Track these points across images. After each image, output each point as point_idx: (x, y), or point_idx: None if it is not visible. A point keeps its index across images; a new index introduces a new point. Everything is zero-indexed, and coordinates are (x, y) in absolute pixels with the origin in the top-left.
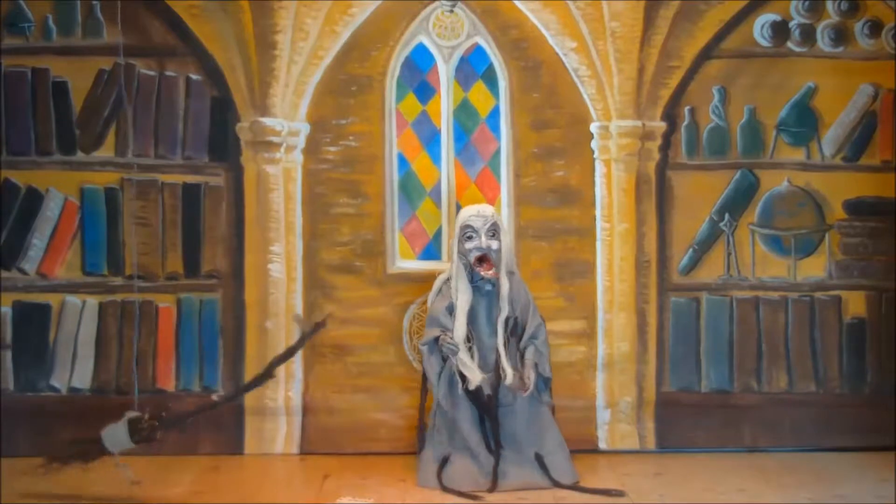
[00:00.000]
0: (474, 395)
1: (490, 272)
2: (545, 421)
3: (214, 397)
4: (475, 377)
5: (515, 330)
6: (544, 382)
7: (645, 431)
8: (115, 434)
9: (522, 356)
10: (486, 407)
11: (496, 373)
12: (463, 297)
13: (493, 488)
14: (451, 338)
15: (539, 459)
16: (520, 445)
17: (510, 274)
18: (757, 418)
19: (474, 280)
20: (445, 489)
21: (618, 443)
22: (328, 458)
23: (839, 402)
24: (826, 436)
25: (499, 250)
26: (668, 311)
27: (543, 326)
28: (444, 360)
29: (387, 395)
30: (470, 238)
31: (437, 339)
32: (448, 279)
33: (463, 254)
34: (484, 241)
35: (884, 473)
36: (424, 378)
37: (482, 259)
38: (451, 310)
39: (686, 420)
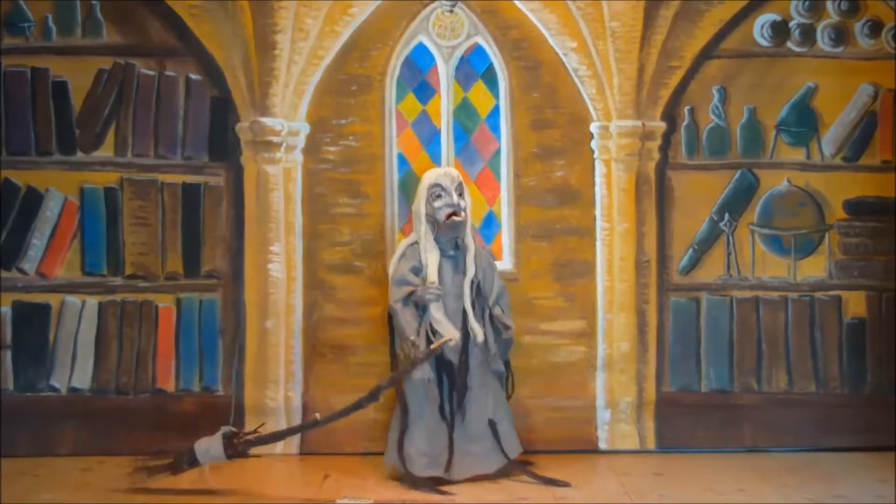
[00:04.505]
0: (444, 364)
1: (460, 216)
2: (497, 388)
3: (317, 416)
4: (454, 334)
5: (479, 293)
6: (506, 348)
7: (645, 431)
8: (210, 448)
9: (490, 319)
10: (455, 371)
11: (464, 334)
12: (432, 257)
13: (448, 465)
14: (429, 288)
15: (492, 426)
16: (476, 411)
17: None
18: (757, 418)
19: (439, 243)
20: (406, 471)
21: (618, 443)
22: (328, 458)
23: (839, 402)
24: (826, 436)
25: (466, 208)
26: (668, 310)
27: (506, 290)
28: (421, 315)
29: (386, 394)
30: (439, 196)
31: (410, 294)
32: (414, 243)
33: (430, 214)
34: (455, 198)
35: (884, 473)
36: (392, 340)
37: (451, 215)
38: (416, 271)
39: (686, 420)
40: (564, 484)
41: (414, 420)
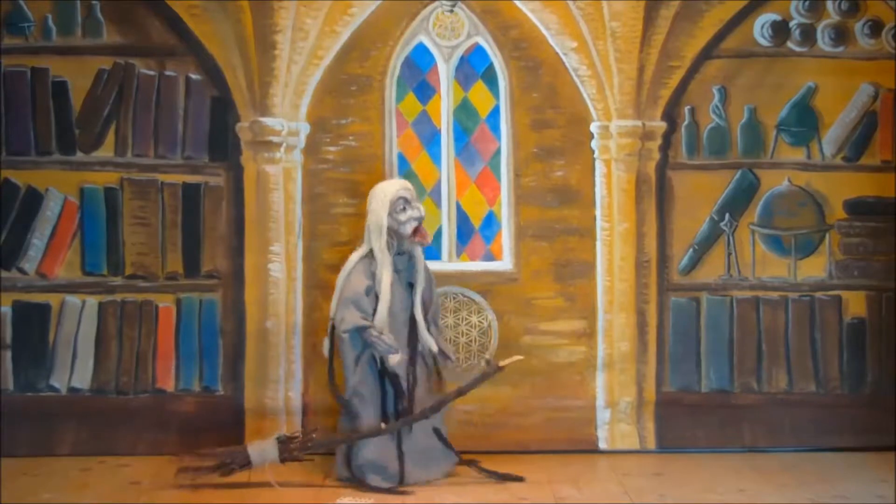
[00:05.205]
0: (391, 375)
1: (427, 239)
2: (434, 396)
3: (382, 426)
4: (397, 359)
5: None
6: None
7: (645, 431)
8: (264, 451)
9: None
10: (403, 385)
11: (412, 347)
12: (387, 274)
13: (402, 475)
14: (382, 335)
15: (437, 433)
16: (423, 422)
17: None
18: (757, 418)
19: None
20: (360, 482)
21: (618, 443)
22: (328, 458)
23: (839, 402)
24: (826, 436)
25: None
26: (668, 310)
27: (440, 307)
28: (364, 346)
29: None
30: (404, 209)
31: (362, 328)
32: (364, 257)
33: (394, 228)
34: (421, 210)
35: (884, 473)
36: (331, 358)
37: (416, 229)
38: (368, 291)
39: (686, 420)
40: (518, 478)
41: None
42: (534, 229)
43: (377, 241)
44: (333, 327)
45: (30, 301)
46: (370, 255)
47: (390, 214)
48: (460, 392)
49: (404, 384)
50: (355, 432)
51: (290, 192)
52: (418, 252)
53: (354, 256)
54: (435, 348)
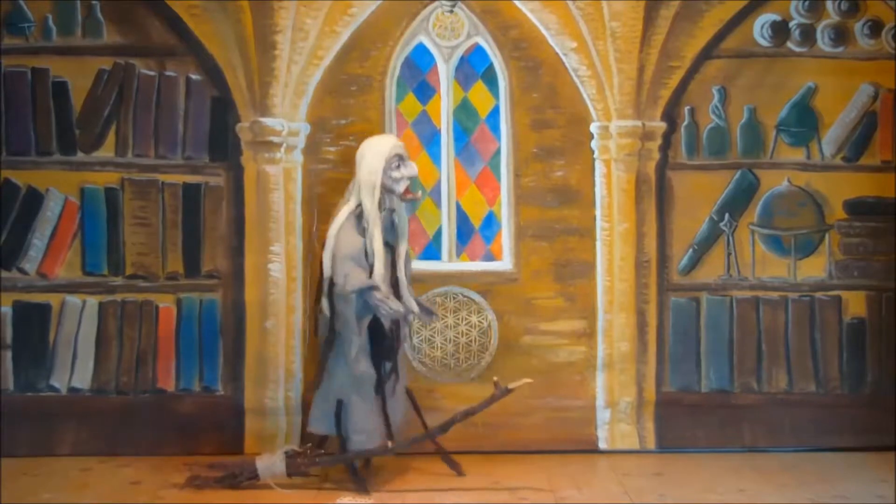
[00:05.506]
0: (382, 332)
1: (419, 195)
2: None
3: (389, 444)
4: (400, 308)
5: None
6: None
7: (645, 431)
8: (272, 465)
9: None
10: (395, 341)
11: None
12: (379, 237)
13: (390, 436)
14: (389, 298)
15: (409, 394)
16: (401, 383)
17: None
18: (757, 418)
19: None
20: (345, 438)
21: (618, 443)
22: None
23: (839, 402)
24: (826, 436)
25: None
26: (668, 310)
27: (410, 259)
28: (366, 306)
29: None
30: (398, 167)
31: (368, 288)
32: (358, 214)
33: (387, 185)
34: (414, 168)
35: (884, 473)
36: (332, 320)
37: (408, 191)
38: (362, 248)
39: (686, 420)
40: (456, 467)
41: (358, 397)
42: (534, 229)
43: (369, 199)
44: (332, 285)
45: (30, 301)
46: (358, 211)
47: (385, 171)
48: (468, 413)
49: (396, 345)
50: (363, 451)
51: (291, 192)
52: (402, 210)
53: (344, 211)
54: (417, 309)
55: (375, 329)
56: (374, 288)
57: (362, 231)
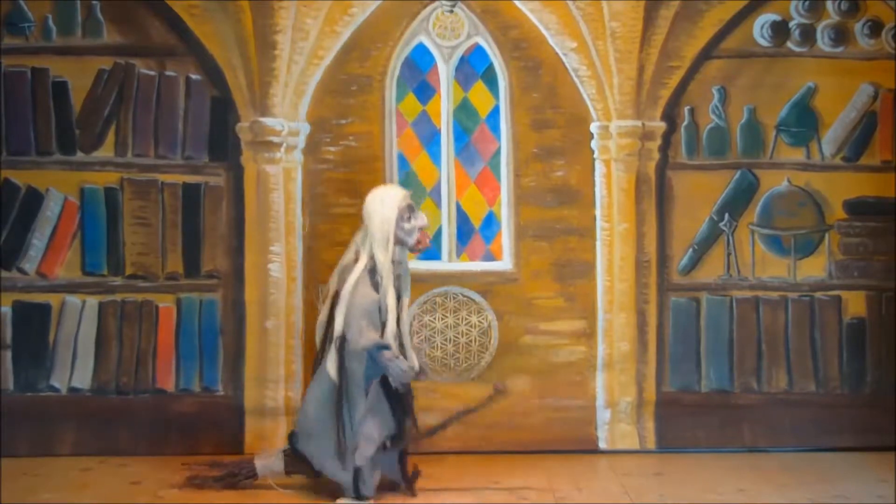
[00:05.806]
0: (391, 391)
1: (428, 242)
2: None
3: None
4: (409, 369)
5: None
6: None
7: (645, 431)
8: (270, 464)
9: None
10: (406, 399)
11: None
12: (392, 292)
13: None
14: (399, 358)
15: (409, 395)
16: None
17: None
18: (757, 418)
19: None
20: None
21: (618, 443)
22: None
23: (839, 402)
24: (826, 436)
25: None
26: (668, 310)
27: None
28: (376, 365)
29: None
30: (409, 219)
31: (379, 347)
32: (372, 269)
33: (400, 237)
34: (424, 218)
35: (884, 473)
36: (342, 378)
37: (419, 242)
38: (375, 305)
39: (686, 420)
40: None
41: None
42: (534, 229)
43: (382, 252)
44: (342, 341)
45: (30, 301)
46: (371, 265)
47: (397, 223)
48: (468, 411)
49: (410, 400)
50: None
51: (291, 192)
52: (406, 262)
53: (359, 266)
54: (418, 367)
55: (384, 388)
56: (385, 347)
57: (376, 286)
